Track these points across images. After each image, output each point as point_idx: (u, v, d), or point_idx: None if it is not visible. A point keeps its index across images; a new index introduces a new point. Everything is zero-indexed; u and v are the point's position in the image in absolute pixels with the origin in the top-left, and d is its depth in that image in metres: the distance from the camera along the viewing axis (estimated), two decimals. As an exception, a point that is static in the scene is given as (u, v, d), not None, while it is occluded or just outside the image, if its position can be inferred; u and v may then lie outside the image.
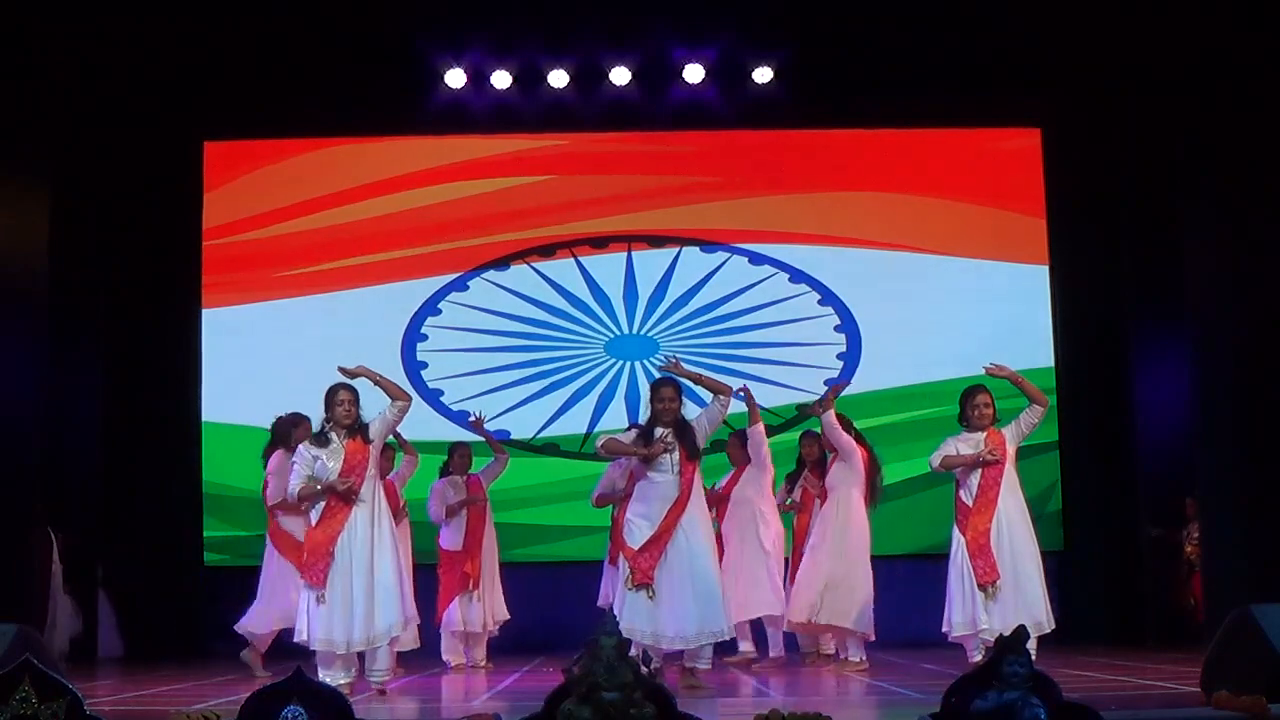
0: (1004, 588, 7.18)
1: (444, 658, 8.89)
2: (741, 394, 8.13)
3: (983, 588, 7.18)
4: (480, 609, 8.91)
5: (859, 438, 8.49)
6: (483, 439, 9.21)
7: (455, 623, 8.85)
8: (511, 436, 10.50)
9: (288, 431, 8.12)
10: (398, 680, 7.96)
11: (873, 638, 8.28)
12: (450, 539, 8.91)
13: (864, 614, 8.14)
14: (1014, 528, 7.30)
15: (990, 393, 7.57)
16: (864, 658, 8.20)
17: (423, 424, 10.60)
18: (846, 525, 8.21)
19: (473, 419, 9.21)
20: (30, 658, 4.17)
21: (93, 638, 10.50)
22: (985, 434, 7.47)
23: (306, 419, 7.90)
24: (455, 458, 9.04)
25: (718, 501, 8.75)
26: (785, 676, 7.79)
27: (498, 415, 10.51)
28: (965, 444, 7.51)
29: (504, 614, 9.06)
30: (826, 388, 10.46)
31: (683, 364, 7.26)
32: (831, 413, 8.18)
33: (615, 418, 10.78)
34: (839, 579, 8.12)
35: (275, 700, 4.05)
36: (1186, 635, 9.57)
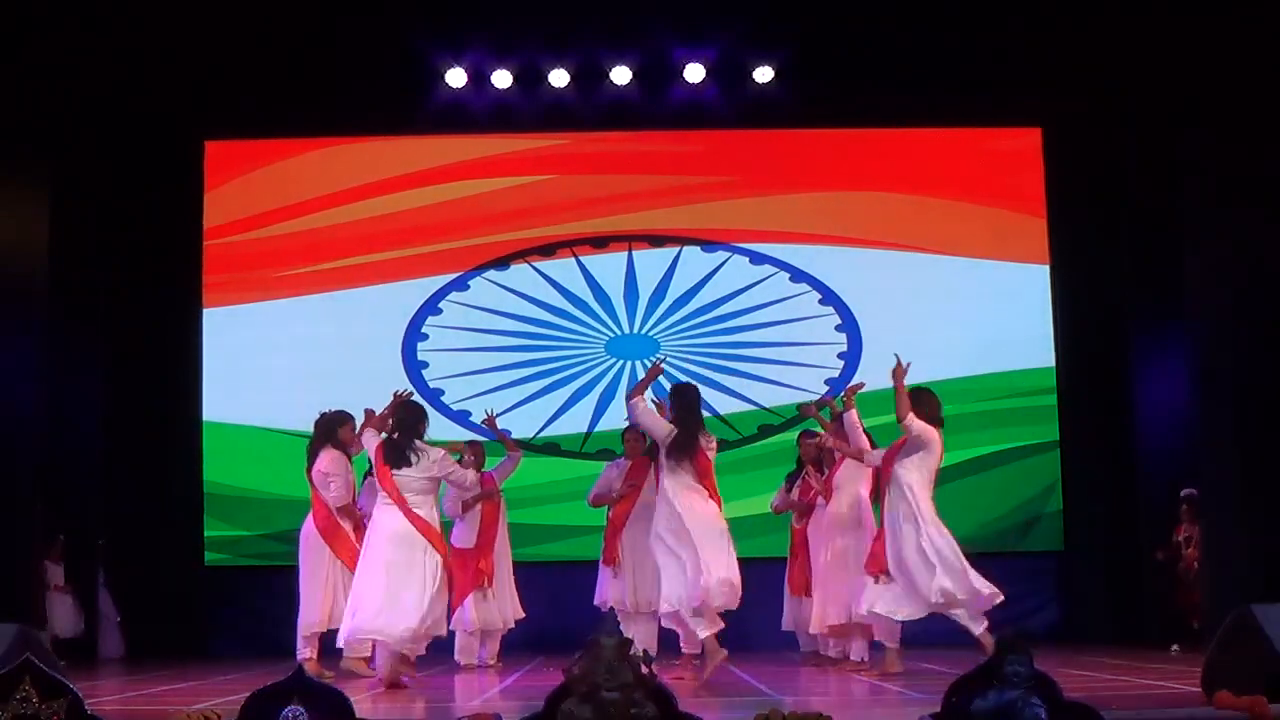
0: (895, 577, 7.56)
1: (457, 658, 8.90)
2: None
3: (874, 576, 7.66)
4: (494, 607, 8.92)
5: (869, 438, 8.48)
6: (494, 437, 9.21)
7: (470, 622, 8.84)
8: (512, 436, 10.49)
9: (334, 429, 8.26)
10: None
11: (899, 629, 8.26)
12: (463, 537, 8.91)
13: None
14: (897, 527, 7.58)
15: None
16: (865, 658, 8.20)
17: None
18: (859, 525, 8.20)
19: (484, 418, 9.19)
20: (30, 658, 4.17)
21: (93, 637, 10.49)
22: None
23: (351, 416, 8.32)
24: (468, 455, 9.05)
25: (804, 509, 8.83)
26: (785, 677, 7.78)
27: (498, 415, 10.50)
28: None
29: (519, 612, 9.05)
30: (828, 388, 10.52)
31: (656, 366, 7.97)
32: (854, 411, 8.16)
33: (615, 418, 10.77)
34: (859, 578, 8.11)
35: (275, 700, 4.04)
36: (1186, 636, 9.56)
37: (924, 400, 7.75)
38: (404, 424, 7.47)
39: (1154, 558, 10.17)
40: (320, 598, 8.19)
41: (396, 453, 7.38)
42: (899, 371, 7.55)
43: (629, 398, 7.70)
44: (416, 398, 7.99)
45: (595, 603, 8.93)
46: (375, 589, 7.24)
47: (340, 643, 7.73)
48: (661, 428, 7.49)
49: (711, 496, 7.51)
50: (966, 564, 7.50)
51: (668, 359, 11.08)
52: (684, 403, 7.57)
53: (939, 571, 7.45)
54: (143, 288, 11.18)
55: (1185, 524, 9.95)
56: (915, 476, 7.58)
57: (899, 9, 10.47)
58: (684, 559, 7.31)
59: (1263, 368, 8.54)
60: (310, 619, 8.23)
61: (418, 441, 7.42)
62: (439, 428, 10.77)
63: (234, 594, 11.04)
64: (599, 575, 9.02)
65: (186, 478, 11.07)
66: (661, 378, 8.23)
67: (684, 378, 11.10)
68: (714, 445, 7.66)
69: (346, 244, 11.41)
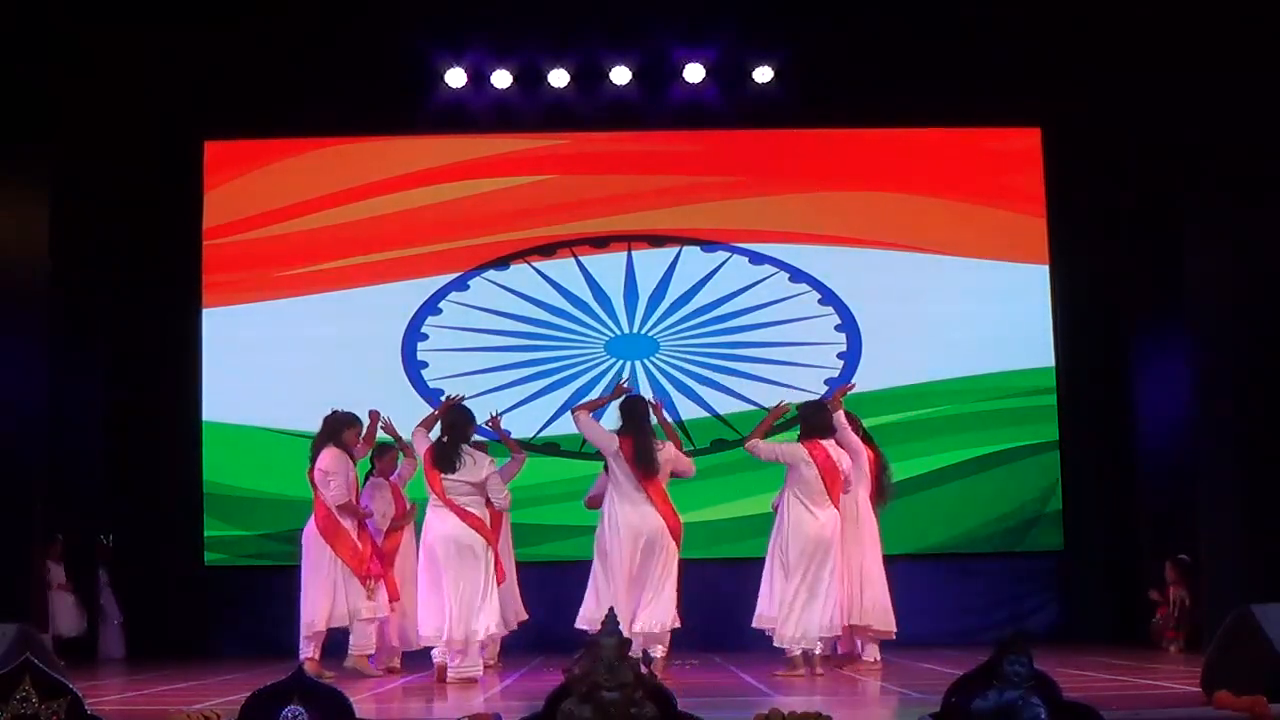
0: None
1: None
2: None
3: None
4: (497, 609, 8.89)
5: (867, 438, 8.50)
6: (498, 438, 9.21)
7: None
8: (512, 436, 10.49)
9: (340, 429, 8.33)
10: (399, 679, 7.98)
11: (893, 635, 8.28)
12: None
13: (885, 611, 8.18)
14: None
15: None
16: (878, 657, 8.20)
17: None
18: (858, 525, 8.23)
19: (488, 419, 9.18)
20: (30, 658, 4.16)
21: (94, 637, 10.49)
22: None
23: (360, 421, 8.48)
24: None
25: None
26: (785, 677, 7.77)
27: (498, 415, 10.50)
28: None
29: (522, 613, 9.03)
30: (827, 388, 10.52)
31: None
32: (841, 413, 8.20)
33: (615, 418, 10.75)
34: (858, 578, 8.15)
35: (275, 700, 4.04)
36: (1188, 639, 9.57)
37: (806, 415, 8.07)
38: (454, 428, 7.68)
39: (1149, 596, 10.20)
40: (322, 597, 8.19)
41: (444, 457, 7.56)
42: (777, 411, 8.09)
43: (574, 410, 8.10)
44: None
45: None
46: (444, 597, 7.43)
47: (420, 644, 7.97)
48: (607, 439, 7.81)
49: (660, 505, 7.69)
50: (790, 597, 7.70)
51: (659, 365, 11.12)
52: (634, 414, 7.85)
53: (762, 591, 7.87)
54: (143, 288, 11.17)
55: (1172, 587, 10.00)
56: (788, 493, 7.87)
57: (899, 9, 10.47)
58: (598, 585, 7.66)
59: (1263, 368, 8.54)
60: (311, 618, 8.22)
61: (465, 446, 7.63)
62: (437, 428, 10.79)
63: (234, 594, 11.04)
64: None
65: (186, 478, 11.06)
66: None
67: (684, 378, 11.16)
68: (670, 453, 7.86)
69: (346, 244, 11.40)
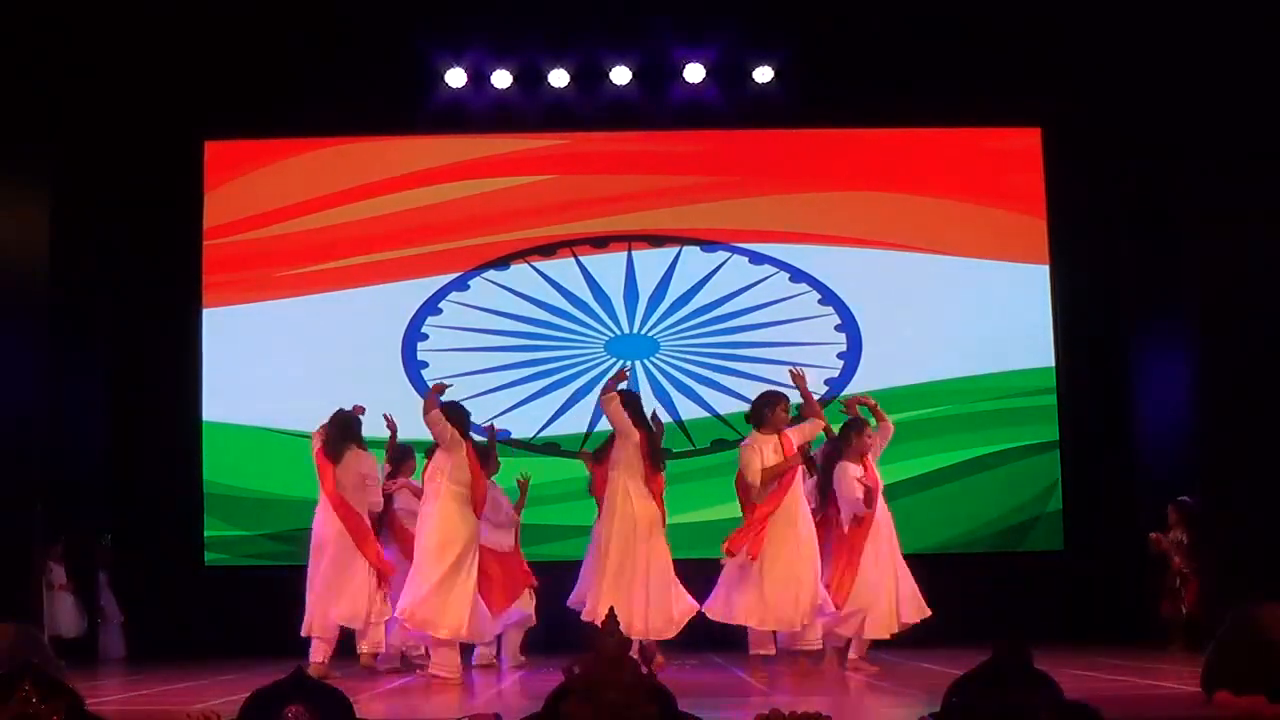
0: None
1: (475, 661, 8.84)
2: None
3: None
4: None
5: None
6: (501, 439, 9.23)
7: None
8: (512, 436, 10.50)
9: (356, 427, 8.41)
10: (399, 679, 7.97)
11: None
12: (499, 540, 8.74)
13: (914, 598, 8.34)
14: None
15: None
16: (863, 654, 8.22)
17: (422, 424, 10.58)
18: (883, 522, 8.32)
19: (488, 424, 9.19)
20: (30, 659, 4.16)
21: (95, 638, 10.49)
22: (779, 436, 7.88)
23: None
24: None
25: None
26: (784, 676, 7.77)
27: (498, 415, 10.50)
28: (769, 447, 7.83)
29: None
30: (827, 388, 10.54)
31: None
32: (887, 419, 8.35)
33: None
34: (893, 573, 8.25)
35: (275, 700, 4.05)
36: (1187, 638, 9.57)
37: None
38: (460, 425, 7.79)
39: (1150, 541, 10.16)
40: (349, 598, 8.10)
41: (488, 457, 7.90)
42: (801, 378, 7.98)
43: (604, 394, 7.93)
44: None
45: (568, 604, 8.96)
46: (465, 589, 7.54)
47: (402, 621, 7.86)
48: (632, 429, 7.79)
49: (658, 501, 7.80)
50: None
51: (659, 365, 11.13)
52: (639, 410, 7.90)
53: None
54: (143, 288, 11.17)
55: (1174, 530, 10.00)
56: (806, 487, 7.99)
57: (899, 9, 10.47)
58: (602, 574, 7.65)
59: (1263, 367, 8.54)
60: (324, 619, 8.12)
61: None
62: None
63: (234, 594, 11.02)
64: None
65: (186, 478, 11.06)
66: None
67: (684, 378, 11.17)
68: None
69: (346, 244, 11.40)
